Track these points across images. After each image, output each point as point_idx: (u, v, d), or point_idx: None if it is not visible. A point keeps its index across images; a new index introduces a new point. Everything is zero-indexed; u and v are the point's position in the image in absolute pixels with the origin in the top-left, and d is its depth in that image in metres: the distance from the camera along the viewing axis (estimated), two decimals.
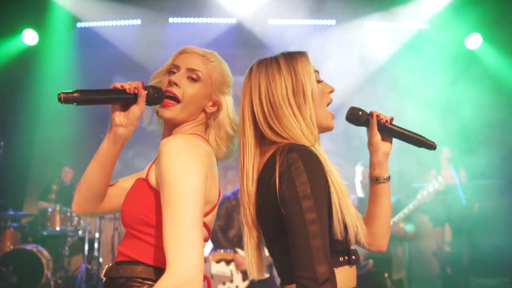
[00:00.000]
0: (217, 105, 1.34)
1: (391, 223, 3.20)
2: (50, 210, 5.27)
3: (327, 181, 1.17)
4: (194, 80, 1.32)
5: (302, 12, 6.58)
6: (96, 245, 5.50)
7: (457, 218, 5.14)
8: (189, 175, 1.11)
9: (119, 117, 1.27)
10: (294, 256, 1.12)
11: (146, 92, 1.28)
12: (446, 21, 6.57)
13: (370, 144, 1.41)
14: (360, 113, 1.42)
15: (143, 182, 1.23)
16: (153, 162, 1.25)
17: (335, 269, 1.14)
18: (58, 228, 5.22)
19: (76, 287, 5.05)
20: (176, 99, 1.29)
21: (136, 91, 1.26)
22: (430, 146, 1.44)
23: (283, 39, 6.63)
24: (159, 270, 1.13)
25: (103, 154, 1.31)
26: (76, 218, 5.37)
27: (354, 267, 1.26)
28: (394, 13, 6.61)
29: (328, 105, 1.33)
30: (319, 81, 1.33)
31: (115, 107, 1.28)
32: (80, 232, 5.37)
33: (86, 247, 5.36)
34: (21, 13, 6.31)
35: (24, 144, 6.45)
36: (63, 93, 1.21)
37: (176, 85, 1.30)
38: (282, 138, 1.24)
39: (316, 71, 1.33)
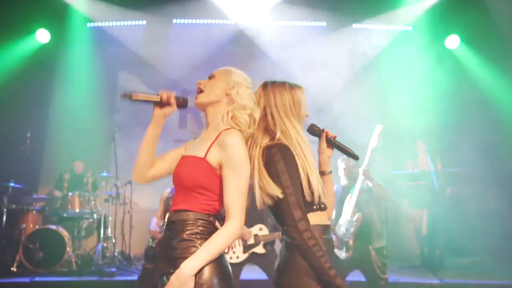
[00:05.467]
0: (235, 87, 1.89)
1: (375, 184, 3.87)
2: (70, 194, 5.85)
3: (296, 162, 1.85)
4: (210, 78, 1.94)
5: (295, 15, 7.11)
6: (109, 226, 6.10)
7: (431, 201, 5.68)
8: (248, 165, 1.79)
9: (158, 111, 1.95)
10: (281, 209, 1.80)
11: (175, 100, 1.95)
12: (428, 23, 7.11)
13: (319, 149, 2.07)
14: (316, 128, 2.10)
15: (202, 160, 1.79)
16: (211, 146, 1.81)
17: (311, 213, 1.88)
18: (77, 210, 5.81)
19: (94, 263, 5.64)
20: (200, 90, 1.93)
21: (170, 100, 1.93)
22: (354, 157, 2.09)
23: (276, 39, 7.17)
24: (205, 214, 1.79)
25: (149, 135, 1.96)
26: (93, 202, 5.95)
27: (324, 212, 1.96)
28: (380, 16, 7.13)
29: (303, 118, 2.01)
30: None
31: (155, 105, 1.95)
32: (95, 215, 5.94)
33: (102, 228, 5.94)
34: (34, 14, 6.79)
35: (39, 134, 6.96)
36: (123, 92, 1.88)
37: (200, 84, 1.95)
38: (274, 136, 1.93)
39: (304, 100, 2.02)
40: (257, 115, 1.92)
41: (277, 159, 1.83)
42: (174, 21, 7.26)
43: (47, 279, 4.99)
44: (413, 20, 7.22)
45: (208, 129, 1.92)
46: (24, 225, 5.48)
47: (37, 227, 5.48)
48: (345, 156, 2.29)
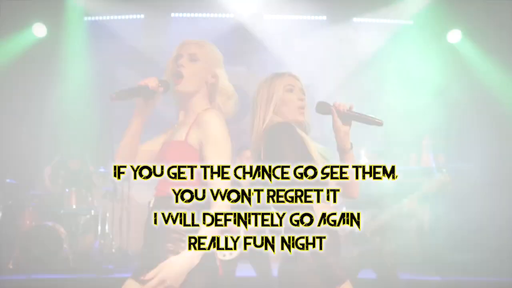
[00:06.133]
0: (215, 76, 1.81)
1: None
2: (67, 190, 5.78)
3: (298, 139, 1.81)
4: (194, 60, 1.80)
5: (295, 8, 7.03)
6: (107, 223, 6.03)
7: (433, 198, 5.63)
8: (228, 142, 1.73)
9: (144, 101, 1.83)
10: None
11: (161, 88, 1.82)
12: (429, 18, 7.02)
13: (333, 127, 1.91)
14: (325, 105, 1.92)
15: (183, 143, 1.75)
16: (190, 128, 1.76)
17: None
18: (74, 207, 5.73)
19: (91, 260, 5.55)
20: (181, 76, 1.80)
21: (157, 87, 1.80)
22: (377, 123, 1.85)
23: (276, 33, 7.09)
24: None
25: (137, 129, 1.86)
26: (90, 198, 5.88)
27: None
28: (381, 10, 7.05)
29: (300, 107, 1.93)
30: (291, 91, 1.94)
31: (141, 97, 1.83)
32: (92, 211, 5.86)
33: (100, 224, 5.86)
34: (31, 8, 6.69)
35: (35, 129, 6.88)
36: (113, 95, 1.79)
37: (183, 66, 1.81)
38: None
39: (291, 85, 1.95)
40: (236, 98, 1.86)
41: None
42: (172, 14, 7.17)
43: (44, 277, 4.92)
44: (414, 14, 7.14)
45: (187, 114, 1.86)
46: (20, 221, 5.42)
47: (33, 223, 5.42)
48: (367, 147, 2.11)
